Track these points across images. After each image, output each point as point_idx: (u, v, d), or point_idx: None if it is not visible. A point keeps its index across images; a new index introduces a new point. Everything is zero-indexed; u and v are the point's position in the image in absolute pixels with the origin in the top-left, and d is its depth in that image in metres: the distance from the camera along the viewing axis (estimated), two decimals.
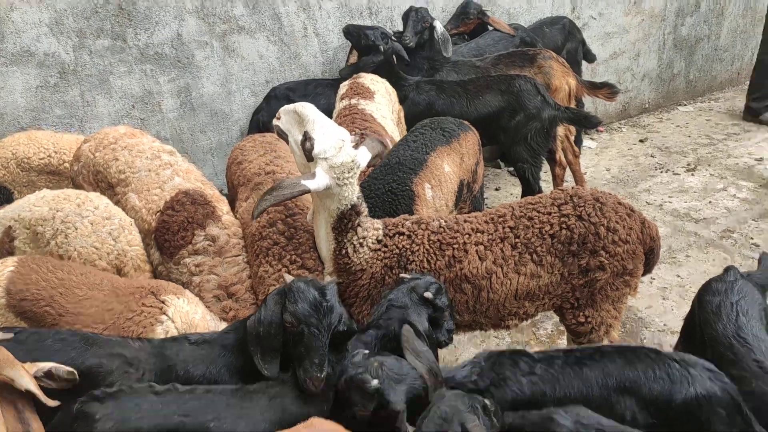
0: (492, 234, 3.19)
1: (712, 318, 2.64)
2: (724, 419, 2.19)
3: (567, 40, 6.59)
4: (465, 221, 3.27)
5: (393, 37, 5.28)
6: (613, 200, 3.22)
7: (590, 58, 6.90)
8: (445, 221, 3.27)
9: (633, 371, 2.31)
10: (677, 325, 4.50)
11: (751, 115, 7.61)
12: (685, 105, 8.51)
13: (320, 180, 2.95)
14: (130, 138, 3.69)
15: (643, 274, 3.31)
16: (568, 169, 5.85)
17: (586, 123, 5.05)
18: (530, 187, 5.20)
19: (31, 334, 2.58)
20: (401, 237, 3.17)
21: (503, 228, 3.19)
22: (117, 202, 3.52)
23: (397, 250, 3.14)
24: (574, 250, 3.14)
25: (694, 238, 5.54)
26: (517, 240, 3.17)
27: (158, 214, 3.41)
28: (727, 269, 2.98)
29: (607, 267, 3.14)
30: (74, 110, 4.82)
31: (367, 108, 4.59)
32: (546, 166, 5.55)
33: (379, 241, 3.19)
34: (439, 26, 5.55)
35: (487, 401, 2.12)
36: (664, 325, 4.56)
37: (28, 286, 2.97)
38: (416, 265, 3.16)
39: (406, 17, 5.53)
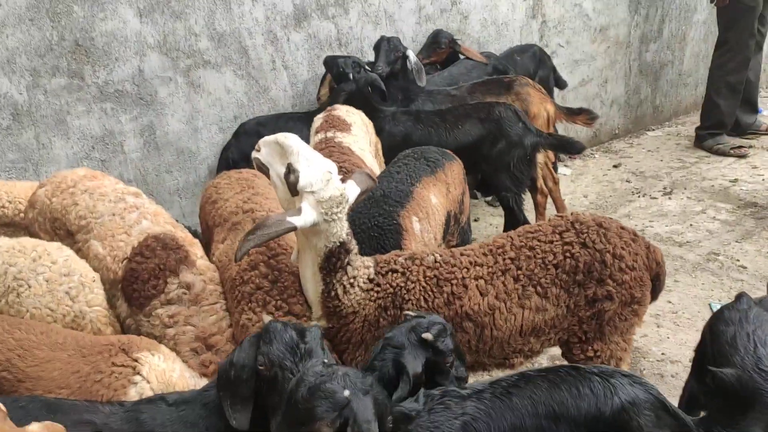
0: (492, 267, 2.97)
1: (727, 350, 2.46)
2: (653, 420, 2.19)
3: (539, 68, 6.52)
4: (461, 254, 3.05)
5: (366, 67, 5.10)
6: (616, 225, 3.05)
7: (561, 84, 6.86)
8: (440, 255, 3.04)
9: (559, 393, 2.26)
10: (675, 352, 4.34)
11: (699, 141, 7.65)
12: (654, 129, 8.53)
13: (307, 216, 2.70)
14: (91, 180, 3.39)
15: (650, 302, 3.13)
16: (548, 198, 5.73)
17: (569, 149, 4.93)
18: (514, 216, 5.03)
19: None
20: (395, 275, 2.94)
21: (504, 260, 2.98)
22: (78, 251, 3.20)
23: (391, 289, 2.90)
24: (579, 280, 2.94)
25: (680, 262, 5.42)
26: (519, 272, 2.96)
27: (125, 261, 3.10)
28: (739, 296, 2.81)
29: (615, 296, 2.95)
30: (29, 154, 4.49)
31: (344, 141, 4.38)
32: (527, 195, 5.40)
33: (371, 280, 2.94)
34: (412, 55, 5.42)
35: None
36: (662, 354, 4.38)
37: None
38: (412, 303, 2.92)
39: (378, 47, 5.39)
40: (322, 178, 2.74)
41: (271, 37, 5.26)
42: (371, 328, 2.95)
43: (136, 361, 2.64)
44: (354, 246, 2.90)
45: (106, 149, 4.76)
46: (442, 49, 6.02)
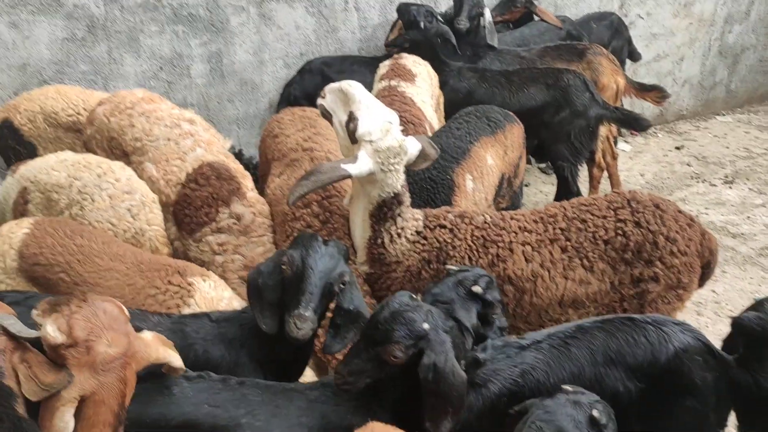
0: (541, 234, 2.98)
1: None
2: (701, 364, 2.36)
3: (613, 38, 6.32)
4: (512, 218, 3.05)
5: (439, 18, 5.02)
6: (673, 208, 3.01)
7: (635, 57, 6.64)
8: (491, 217, 3.05)
9: (615, 342, 2.38)
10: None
11: None
12: (724, 115, 8.23)
13: (362, 165, 2.73)
14: (148, 103, 3.46)
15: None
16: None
17: (635, 125, 4.83)
18: (568, 187, 4.96)
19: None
20: (443, 230, 2.96)
21: (554, 229, 2.98)
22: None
23: (438, 244, 2.93)
24: (627, 258, 2.93)
25: (731, 253, 5.31)
26: (567, 243, 2.96)
27: (179, 186, 3.19)
28: None
29: (662, 279, 2.93)
30: (100, 67, 4.60)
31: (407, 91, 4.37)
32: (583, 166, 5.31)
33: (418, 233, 2.98)
34: (488, 14, 5.32)
35: None
36: None
37: (43, 251, 2.77)
38: (456, 261, 2.95)
39: (459, 1, 5.26)
40: (381, 128, 2.75)
41: None
42: (412, 279, 2.99)
43: (189, 285, 2.76)
44: (407, 198, 2.93)
45: (173, 71, 4.84)
46: (517, 9, 5.87)
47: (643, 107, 7.29)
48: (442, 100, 4.82)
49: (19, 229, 2.81)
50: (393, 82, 4.41)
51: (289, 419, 2.10)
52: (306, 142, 3.44)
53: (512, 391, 2.35)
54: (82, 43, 4.49)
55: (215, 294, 2.75)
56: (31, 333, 1.84)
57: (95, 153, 3.51)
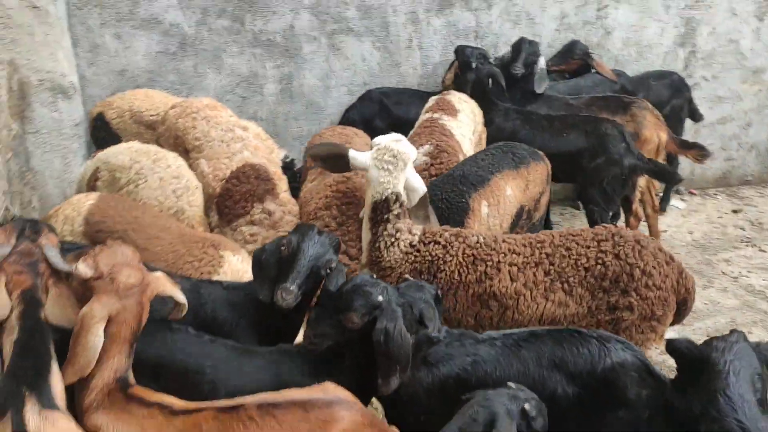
0: (528, 257, 3.25)
1: (705, 372, 2.63)
2: (637, 380, 2.56)
3: (673, 96, 6.47)
4: (504, 241, 3.34)
5: (491, 60, 5.42)
6: (654, 245, 3.23)
7: (696, 117, 6.75)
8: (484, 237, 3.34)
9: (561, 350, 2.63)
10: None
11: None
12: None
13: (361, 156, 3.23)
14: (211, 110, 4.06)
15: (672, 324, 3.29)
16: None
17: (667, 178, 5.02)
18: None
19: None
20: (436, 246, 3.28)
21: (540, 253, 3.25)
22: (189, 167, 3.87)
23: (430, 257, 3.25)
24: (605, 286, 3.17)
25: (761, 316, 5.32)
26: (551, 267, 3.22)
27: (223, 181, 3.72)
28: (733, 331, 2.94)
29: (636, 309, 3.14)
30: (186, 79, 5.28)
31: (447, 124, 4.76)
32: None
33: (412, 246, 3.29)
34: (542, 62, 5.64)
35: None
36: None
37: (105, 219, 3.34)
38: (446, 275, 3.25)
39: (518, 47, 5.62)
40: (391, 137, 3.19)
41: (413, 18, 5.72)
42: None
43: (221, 257, 3.26)
44: (399, 209, 3.26)
45: (248, 88, 5.48)
46: (574, 60, 6.17)
47: (705, 170, 7.38)
48: (484, 136, 5.19)
49: (87, 200, 3.41)
50: (436, 115, 4.83)
51: (247, 374, 2.51)
52: None
53: (461, 377, 2.65)
54: (173, 57, 5.20)
55: (242, 267, 3.21)
56: (66, 266, 2.37)
57: (164, 148, 4.12)
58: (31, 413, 2.00)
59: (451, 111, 4.89)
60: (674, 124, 6.50)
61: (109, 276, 2.27)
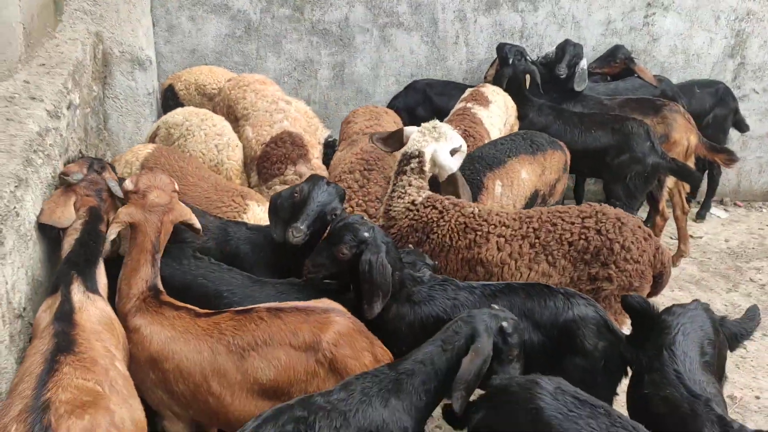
0: (515, 231, 3.56)
1: (656, 330, 2.93)
2: (595, 332, 2.94)
3: (717, 105, 6.57)
4: (497, 214, 3.66)
5: (528, 58, 5.74)
6: (634, 223, 3.51)
7: (742, 127, 6.81)
8: (479, 209, 3.68)
9: (530, 302, 3.01)
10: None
11: None
12: None
13: (412, 128, 3.82)
14: (260, 84, 4.63)
15: (650, 295, 3.55)
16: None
17: (688, 178, 5.21)
18: None
19: None
20: (434, 210, 3.66)
21: (527, 227, 3.56)
22: (237, 132, 4.42)
23: (426, 218, 3.65)
24: (587, 259, 3.48)
25: None
26: (537, 240, 3.53)
27: (263, 145, 4.25)
28: (694, 301, 3.20)
29: (615, 280, 3.43)
30: (248, 60, 5.87)
31: (478, 113, 5.15)
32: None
33: (414, 204, 3.70)
34: (583, 63, 5.91)
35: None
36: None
37: (156, 166, 3.92)
38: (438, 237, 3.63)
39: (563, 49, 5.90)
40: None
41: (461, 16, 6.12)
42: (401, 240, 3.71)
43: (246, 205, 3.77)
44: (417, 166, 3.71)
45: (304, 72, 6.02)
46: (616, 64, 6.40)
47: (753, 183, 7.42)
48: (516, 128, 5.53)
49: (145, 149, 4.02)
50: (469, 105, 5.22)
51: (258, 300, 2.97)
52: (367, 129, 4.38)
53: (440, 317, 3.04)
54: (239, 40, 5.80)
55: (263, 216, 3.71)
56: (121, 192, 2.94)
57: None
58: (77, 291, 2.56)
59: (484, 102, 5.26)
60: (716, 134, 6.63)
61: (142, 192, 2.82)
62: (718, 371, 2.99)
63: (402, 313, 3.08)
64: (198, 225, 3.00)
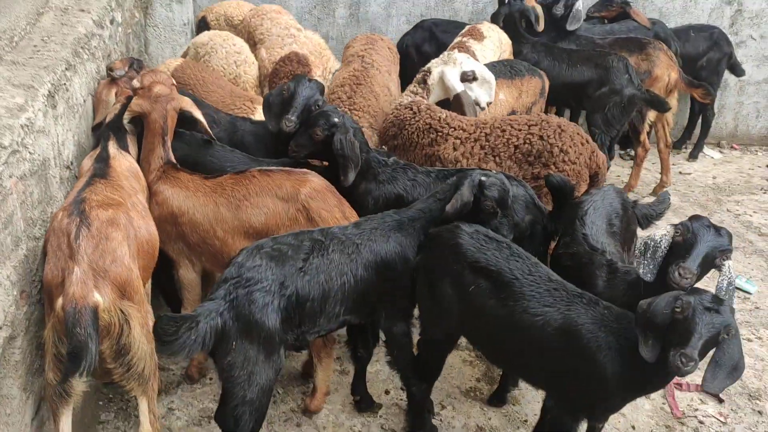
0: (470, 134, 4.23)
1: (572, 205, 3.60)
2: (523, 207, 3.58)
3: (710, 49, 6.98)
4: (459, 120, 4.32)
5: None
6: (573, 129, 4.13)
7: (737, 72, 7.21)
8: (446, 115, 4.34)
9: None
10: None
11: None
12: None
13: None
14: (276, 14, 5.39)
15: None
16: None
17: (658, 106, 5.73)
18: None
19: None
20: (409, 111, 4.35)
21: (480, 132, 4.22)
22: (255, 54, 5.17)
23: (402, 117, 4.35)
24: (530, 160, 4.12)
25: (745, 244, 5.90)
26: (487, 143, 4.19)
27: (274, 63, 4.99)
28: (608, 185, 3.83)
29: None
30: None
31: (472, 46, 5.74)
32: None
33: (400, 104, 4.43)
34: (578, 4, 6.42)
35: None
36: None
37: (183, 76, 4.72)
38: (407, 133, 4.32)
39: None
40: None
41: None
42: (385, 134, 4.49)
43: (255, 107, 4.54)
44: (422, 77, 4.53)
45: (323, 11, 6.73)
46: (613, 8, 6.89)
47: (750, 128, 7.79)
48: None
49: (174, 63, 4.84)
50: (464, 39, 5.82)
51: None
52: (361, 52, 5.07)
53: (400, 194, 3.77)
54: None
55: None
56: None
57: None
58: (112, 146, 3.38)
59: (478, 36, 5.86)
60: (710, 76, 7.07)
61: (148, 87, 3.59)
62: (626, 242, 3.65)
63: (369, 188, 3.82)
64: (198, 115, 3.74)
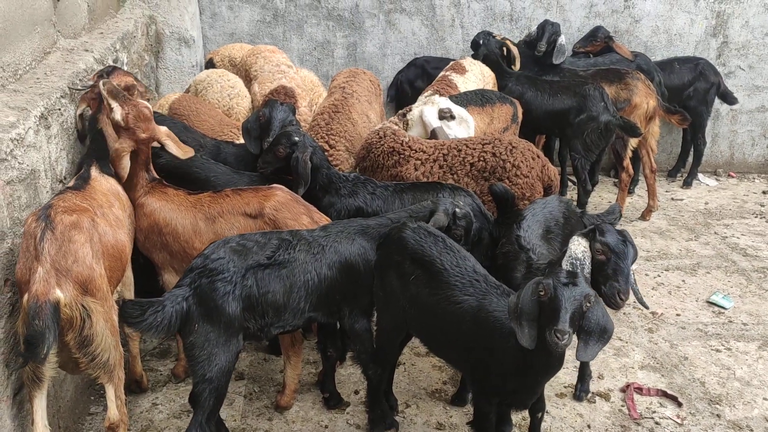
0: (429, 155, 4.59)
1: (514, 213, 3.90)
2: (479, 217, 3.87)
3: (696, 80, 7.25)
4: (420, 143, 4.68)
5: (495, 36, 6.68)
6: (524, 146, 4.46)
7: (729, 100, 7.42)
8: (410, 139, 4.70)
9: (427, 194, 4.02)
10: None
11: None
12: None
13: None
14: (270, 53, 5.91)
15: None
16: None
17: (630, 132, 6.00)
18: (578, 175, 6.27)
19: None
20: (377, 135, 4.74)
21: (439, 152, 4.58)
22: (249, 89, 5.69)
23: (370, 141, 4.74)
24: (485, 176, 4.45)
25: (728, 264, 6.02)
26: (445, 162, 4.54)
27: (264, 97, 5.48)
28: (552, 195, 4.12)
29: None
30: (276, 42, 7.16)
31: (455, 80, 6.16)
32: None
33: (374, 131, 4.83)
34: (562, 39, 6.80)
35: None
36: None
37: (179, 108, 5.24)
38: (374, 156, 4.70)
39: (542, 28, 6.83)
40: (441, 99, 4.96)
41: (456, 2, 7.18)
42: (359, 156, 4.90)
43: (239, 133, 5.00)
44: (403, 119, 4.97)
45: (322, 52, 7.26)
46: (597, 43, 7.22)
47: (746, 156, 7.93)
48: None
49: (173, 96, 5.37)
50: (447, 73, 6.24)
51: (235, 184, 4.17)
52: (342, 84, 5.53)
53: (360, 207, 4.14)
54: (268, 25, 7.11)
55: None
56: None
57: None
58: (94, 170, 3.80)
59: (461, 70, 6.27)
60: (698, 105, 7.34)
61: (132, 128, 3.89)
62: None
63: (332, 201, 4.20)
64: (166, 142, 4.00)
